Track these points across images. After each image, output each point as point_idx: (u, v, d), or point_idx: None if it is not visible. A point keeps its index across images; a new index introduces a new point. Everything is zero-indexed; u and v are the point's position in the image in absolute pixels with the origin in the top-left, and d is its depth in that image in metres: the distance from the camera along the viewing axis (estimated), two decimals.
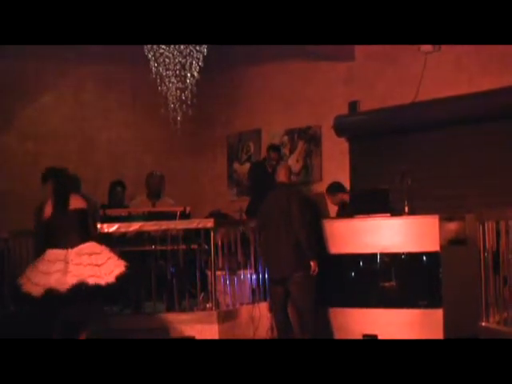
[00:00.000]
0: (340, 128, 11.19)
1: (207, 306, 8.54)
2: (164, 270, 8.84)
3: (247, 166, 12.17)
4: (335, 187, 9.82)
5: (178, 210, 8.82)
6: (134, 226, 8.64)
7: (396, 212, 8.29)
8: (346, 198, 9.53)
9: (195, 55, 9.13)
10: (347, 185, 11.06)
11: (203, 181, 12.93)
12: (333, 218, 9.29)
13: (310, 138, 11.89)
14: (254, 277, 9.00)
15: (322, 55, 11.27)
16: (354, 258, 8.30)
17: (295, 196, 8.29)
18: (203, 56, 9.12)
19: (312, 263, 7.96)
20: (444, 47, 10.10)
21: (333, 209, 9.63)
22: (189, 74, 9.19)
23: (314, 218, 8.46)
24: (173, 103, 9.32)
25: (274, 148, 10.92)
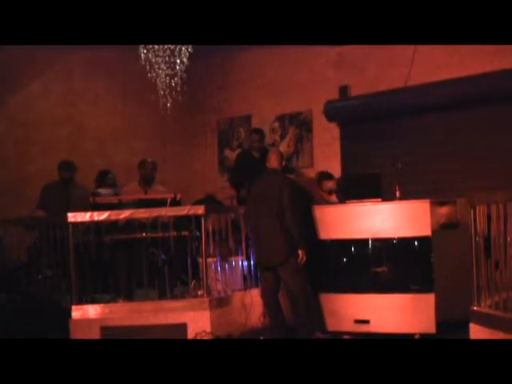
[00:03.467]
0: (331, 113, 11.20)
1: (199, 292, 8.57)
2: (155, 258, 8.86)
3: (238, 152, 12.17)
4: (322, 176, 9.92)
5: (169, 197, 8.81)
6: (125, 214, 8.63)
7: (387, 197, 8.32)
8: (332, 185, 9.61)
9: None
10: (338, 170, 11.12)
11: (194, 167, 12.95)
12: (324, 203, 9.31)
13: (300, 124, 11.91)
14: (245, 263, 9.07)
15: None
16: (346, 243, 8.35)
17: (287, 184, 8.29)
18: None
19: (300, 252, 8.00)
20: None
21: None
22: (178, 60, 9.18)
23: (305, 205, 8.51)
24: (162, 90, 9.32)
25: (256, 130, 11.01)
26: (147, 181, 9.67)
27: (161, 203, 8.77)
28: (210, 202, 10.11)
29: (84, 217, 8.54)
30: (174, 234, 8.69)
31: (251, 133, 11.14)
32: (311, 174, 11.18)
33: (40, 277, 9.33)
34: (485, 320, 6.20)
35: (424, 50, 10.11)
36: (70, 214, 8.51)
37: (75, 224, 8.51)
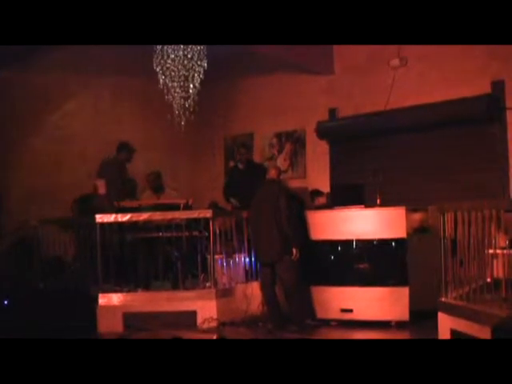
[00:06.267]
0: (321, 132, 11.23)
1: (207, 284, 8.61)
2: (170, 254, 8.90)
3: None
4: (314, 193, 10.00)
5: (182, 202, 8.85)
6: (144, 216, 8.69)
7: (369, 204, 8.35)
8: (323, 201, 9.67)
9: (197, 69, 9.13)
10: (327, 180, 11.16)
11: (203, 177, 12.94)
12: (314, 209, 9.38)
13: (295, 140, 11.93)
14: (247, 260, 9.05)
15: (306, 69, 11.35)
16: (333, 243, 8.37)
17: (283, 192, 8.32)
18: (204, 70, 9.14)
19: (294, 250, 8.01)
20: (410, 63, 10.23)
21: None
22: (191, 85, 9.17)
23: (298, 210, 8.56)
24: (177, 110, 9.30)
25: (242, 145, 11.15)
26: (156, 188, 9.72)
27: (175, 207, 8.84)
28: (215, 207, 10.16)
29: (109, 218, 8.60)
30: (186, 233, 8.74)
31: (238, 147, 11.14)
32: (304, 183, 11.27)
33: (71, 268, 9.39)
34: (451, 309, 6.22)
35: (400, 79, 10.23)
36: (97, 216, 8.55)
37: (102, 224, 8.58)
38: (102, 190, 9.50)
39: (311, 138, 11.57)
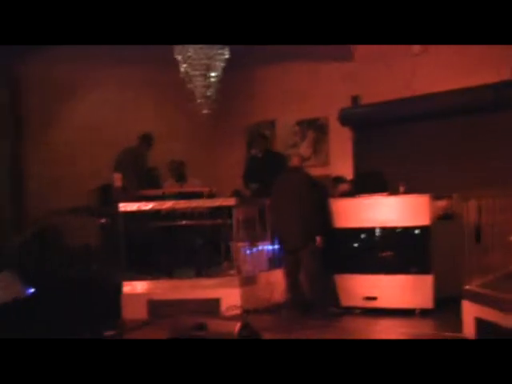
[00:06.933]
0: (344, 119, 11.23)
1: (230, 272, 8.67)
2: (193, 242, 8.96)
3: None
4: (337, 180, 9.98)
5: (205, 190, 8.91)
6: (167, 204, 8.75)
7: (392, 191, 8.33)
8: (346, 187, 9.65)
9: (218, 57, 9.16)
10: (350, 167, 11.17)
11: (225, 165, 12.96)
12: (338, 196, 9.38)
13: (318, 128, 11.94)
14: (270, 247, 9.07)
15: (328, 56, 11.35)
16: (357, 231, 8.36)
17: (306, 179, 8.37)
18: (225, 58, 9.16)
19: (317, 238, 8.05)
20: (431, 49, 10.18)
21: None
22: (213, 74, 9.19)
23: (321, 198, 8.55)
24: (199, 99, 9.34)
25: (260, 135, 11.20)
26: (179, 177, 9.77)
27: (198, 195, 8.89)
28: (237, 195, 10.20)
29: (133, 206, 8.68)
30: (209, 222, 8.81)
31: (257, 137, 11.19)
32: (327, 171, 11.28)
33: (96, 257, 9.47)
34: (475, 297, 6.22)
35: (422, 65, 10.19)
36: (121, 204, 8.64)
37: (125, 213, 8.66)
38: (117, 183, 9.57)
39: (334, 125, 11.57)
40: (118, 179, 9.52)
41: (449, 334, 6.54)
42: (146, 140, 9.85)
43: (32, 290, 7.79)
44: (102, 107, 11.44)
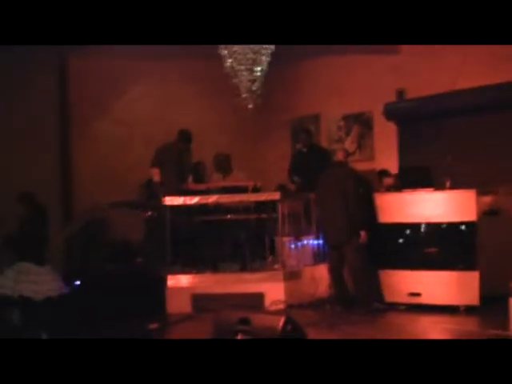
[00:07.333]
0: (389, 113, 11.15)
1: (275, 266, 8.71)
2: (238, 236, 9.02)
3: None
4: (382, 173, 9.93)
5: (250, 184, 8.95)
6: (212, 199, 8.82)
7: (438, 186, 8.28)
8: (391, 182, 9.60)
9: (264, 51, 9.17)
10: (395, 162, 11.10)
11: (269, 159, 12.99)
12: (383, 191, 9.35)
13: (363, 122, 11.89)
14: (315, 242, 9.09)
15: (374, 50, 11.27)
16: (401, 226, 8.34)
17: (350, 174, 8.37)
18: (271, 52, 9.17)
19: (362, 233, 8.06)
20: None
21: None
22: (258, 68, 9.20)
23: (366, 193, 8.55)
24: (244, 93, 9.37)
25: (304, 130, 11.13)
26: (224, 171, 9.81)
27: (243, 190, 8.94)
28: (282, 189, 10.22)
29: (178, 200, 8.77)
30: (254, 216, 8.86)
31: (300, 132, 11.13)
32: (372, 166, 11.23)
33: (141, 251, 9.59)
34: None
35: (470, 58, 10.05)
36: (166, 198, 8.73)
37: (171, 206, 8.74)
38: (156, 178, 9.65)
39: (379, 120, 11.49)
40: (155, 174, 9.60)
41: (494, 332, 6.48)
42: (183, 136, 9.88)
43: (77, 283, 7.93)
44: (144, 101, 11.56)
